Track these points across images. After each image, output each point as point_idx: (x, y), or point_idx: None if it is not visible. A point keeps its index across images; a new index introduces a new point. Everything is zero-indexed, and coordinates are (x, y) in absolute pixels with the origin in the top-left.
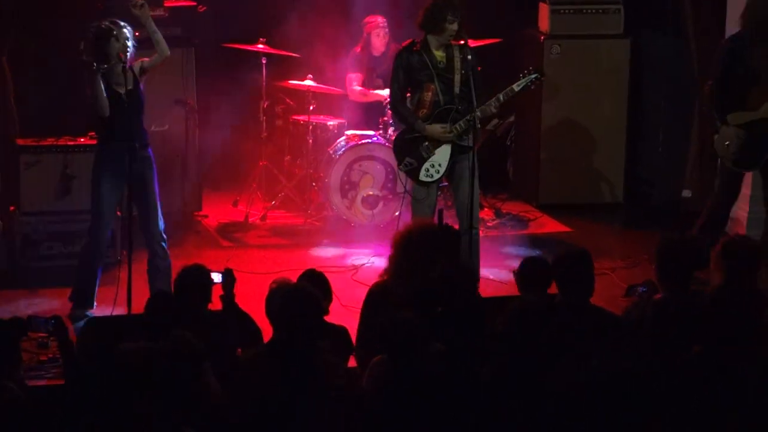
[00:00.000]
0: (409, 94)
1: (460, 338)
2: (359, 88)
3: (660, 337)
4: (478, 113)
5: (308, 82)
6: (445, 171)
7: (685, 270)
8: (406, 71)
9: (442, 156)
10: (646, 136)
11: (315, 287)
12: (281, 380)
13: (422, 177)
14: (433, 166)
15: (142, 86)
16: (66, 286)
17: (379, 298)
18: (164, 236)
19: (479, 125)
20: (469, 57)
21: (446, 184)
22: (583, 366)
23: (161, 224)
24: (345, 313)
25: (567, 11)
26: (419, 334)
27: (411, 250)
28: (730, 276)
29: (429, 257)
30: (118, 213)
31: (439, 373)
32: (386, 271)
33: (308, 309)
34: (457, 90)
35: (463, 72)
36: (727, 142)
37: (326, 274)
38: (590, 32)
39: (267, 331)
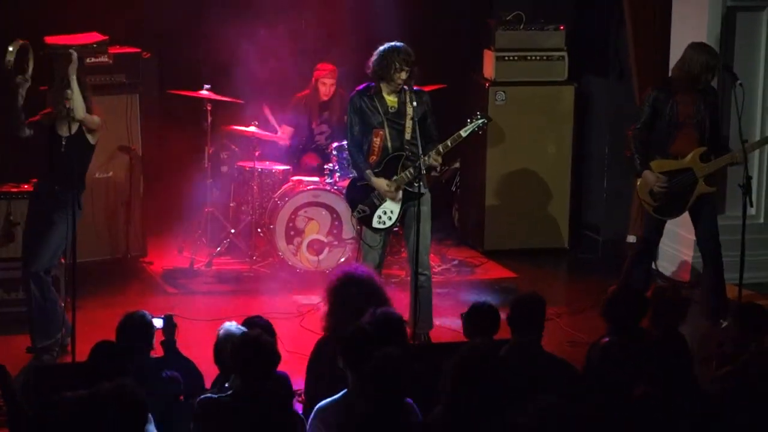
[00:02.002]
0: None
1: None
2: (285, 144)
3: (604, 380)
4: (426, 159)
5: (252, 128)
6: (398, 217)
7: (631, 316)
8: (359, 116)
9: (393, 202)
10: (590, 182)
11: None
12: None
13: (375, 224)
14: (385, 213)
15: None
16: (9, 333)
17: (327, 351)
18: (36, 277)
19: (425, 172)
20: (421, 103)
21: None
22: (530, 409)
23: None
24: (289, 358)
25: (512, 58)
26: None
27: (349, 303)
28: (656, 321)
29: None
30: (62, 259)
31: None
32: (327, 325)
33: (265, 357)
34: (408, 136)
35: (415, 118)
36: (649, 189)
37: (272, 320)
38: (535, 79)
39: (209, 377)
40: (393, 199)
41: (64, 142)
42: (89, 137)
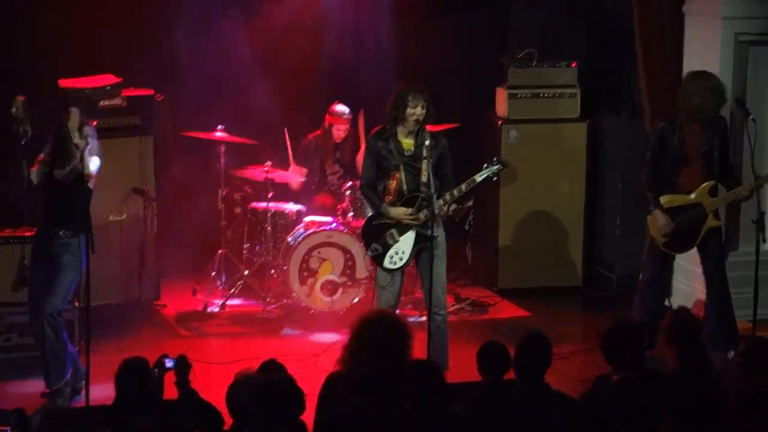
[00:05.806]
0: None
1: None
2: (298, 180)
3: (622, 418)
4: (440, 202)
5: (265, 169)
6: (409, 258)
7: (634, 353)
8: (375, 158)
9: (405, 243)
10: (604, 220)
11: None
12: None
13: (386, 264)
14: (396, 253)
15: None
16: (22, 378)
17: (336, 387)
18: (51, 319)
19: (438, 212)
20: (437, 146)
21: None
22: None
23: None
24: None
25: (524, 96)
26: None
27: (367, 339)
28: (682, 351)
29: (383, 347)
30: (76, 303)
31: None
32: (342, 359)
33: (290, 404)
34: (424, 178)
35: (431, 160)
36: (659, 225)
37: (287, 362)
38: (547, 116)
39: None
40: (414, 227)
41: (64, 189)
42: (88, 182)
